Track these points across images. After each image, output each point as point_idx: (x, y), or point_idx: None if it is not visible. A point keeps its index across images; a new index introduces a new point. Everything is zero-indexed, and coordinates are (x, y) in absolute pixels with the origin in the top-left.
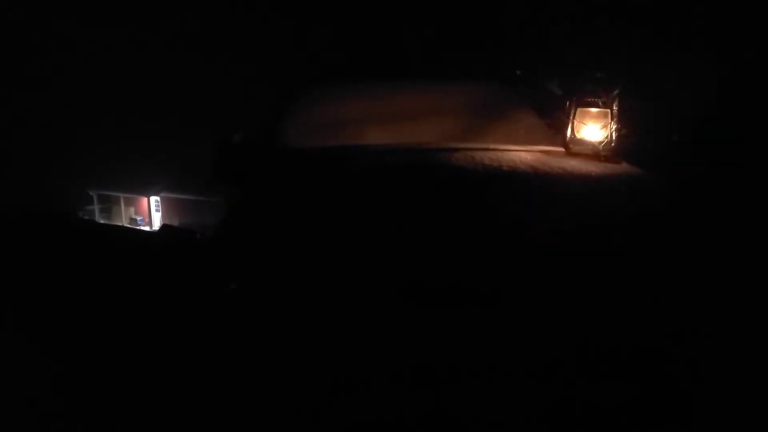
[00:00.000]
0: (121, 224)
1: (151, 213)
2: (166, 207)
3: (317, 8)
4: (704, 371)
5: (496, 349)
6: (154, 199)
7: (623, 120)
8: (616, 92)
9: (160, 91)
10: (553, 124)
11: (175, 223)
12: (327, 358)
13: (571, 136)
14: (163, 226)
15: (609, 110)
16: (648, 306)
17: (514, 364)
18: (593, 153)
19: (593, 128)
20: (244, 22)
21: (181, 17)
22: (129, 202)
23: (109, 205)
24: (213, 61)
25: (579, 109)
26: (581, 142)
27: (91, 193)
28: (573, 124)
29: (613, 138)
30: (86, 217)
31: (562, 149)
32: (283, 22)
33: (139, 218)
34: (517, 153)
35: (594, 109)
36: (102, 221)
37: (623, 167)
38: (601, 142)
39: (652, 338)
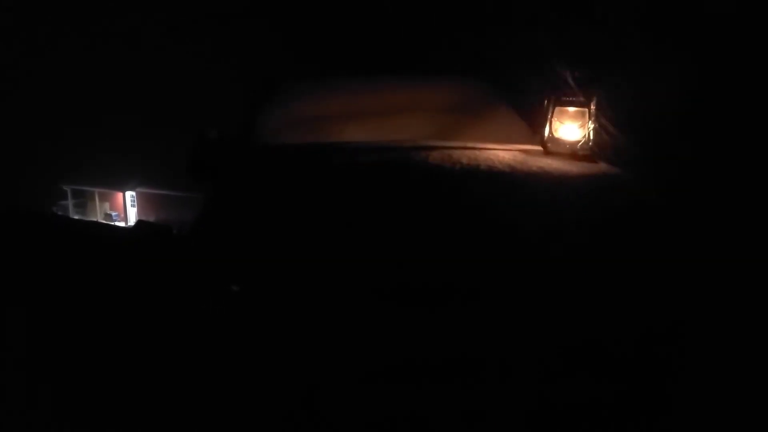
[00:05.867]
0: (95, 220)
1: (127, 208)
2: (142, 202)
3: (295, 4)
4: (687, 368)
5: (474, 346)
6: (129, 194)
7: (601, 119)
8: (594, 91)
9: (136, 86)
10: (532, 122)
11: (151, 218)
12: (304, 356)
13: (548, 135)
14: (139, 222)
15: (587, 109)
16: (625, 304)
17: (494, 361)
18: (571, 152)
19: (571, 127)
20: (221, 18)
21: (156, 13)
22: (104, 198)
23: (83, 201)
24: (190, 56)
25: (557, 108)
26: (559, 141)
27: (64, 188)
28: (551, 123)
29: (591, 137)
30: (60, 213)
31: (540, 148)
32: (261, 18)
33: (114, 214)
34: (495, 151)
35: (572, 109)
36: (76, 217)
37: (600, 167)
38: (578, 142)
39: (635, 335)
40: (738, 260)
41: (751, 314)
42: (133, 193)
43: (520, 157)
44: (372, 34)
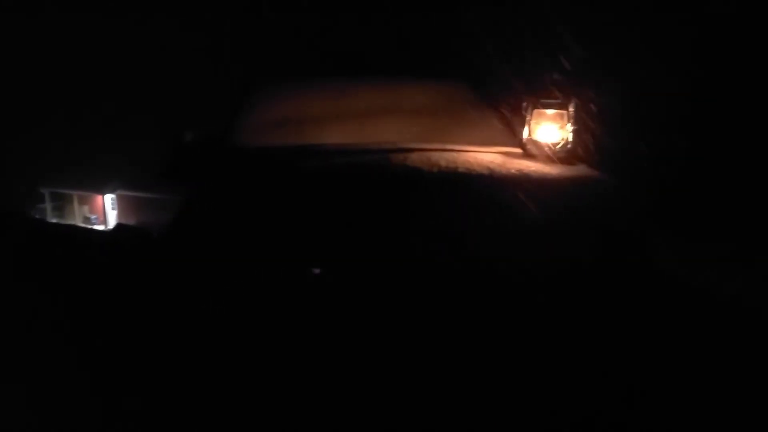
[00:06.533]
0: (74, 223)
1: (106, 212)
2: (123, 205)
3: (273, 2)
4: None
5: (437, 356)
6: (109, 197)
7: (580, 121)
8: (572, 93)
9: (115, 86)
10: (512, 124)
11: (132, 222)
12: (277, 356)
13: (528, 137)
14: (118, 226)
15: (566, 112)
16: (602, 306)
17: (456, 375)
18: (550, 154)
19: (550, 129)
20: (199, 16)
21: (132, 9)
22: (83, 201)
23: (61, 204)
24: (171, 56)
25: (536, 110)
26: (538, 143)
27: (42, 191)
28: (530, 125)
29: (570, 139)
30: (37, 217)
31: (519, 150)
32: (239, 17)
33: (93, 217)
34: (474, 154)
35: (551, 111)
36: (54, 220)
37: (579, 168)
38: (557, 144)
39: (617, 336)
40: (716, 260)
41: (735, 315)
42: (113, 196)
43: (499, 159)
44: (351, 34)
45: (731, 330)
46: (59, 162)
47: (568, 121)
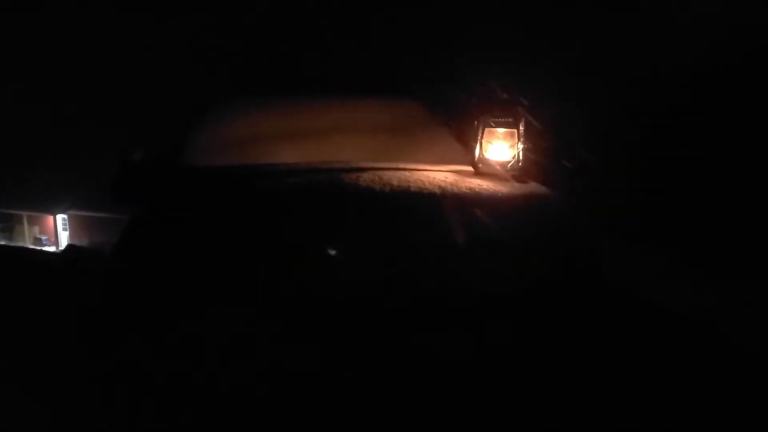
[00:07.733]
0: (23, 245)
1: (58, 232)
2: (75, 225)
3: (228, 21)
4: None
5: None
6: (61, 218)
7: (530, 140)
8: (522, 112)
9: (69, 102)
10: (465, 143)
11: (84, 242)
12: (221, 375)
13: (479, 155)
14: (69, 246)
15: (516, 130)
16: (551, 325)
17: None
18: (501, 172)
19: (501, 148)
20: (153, 34)
21: (87, 22)
22: (33, 221)
23: (10, 224)
24: (124, 73)
25: (486, 129)
26: (489, 161)
27: None
28: (481, 143)
29: (520, 158)
30: None
31: (471, 169)
32: (193, 35)
33: (44, 238)
34: (426, 173)
35: (501, 130)
36: (2, 242)
37: (530, 186)
38: (508, 162)
39: (566, 360)
40: (671, 273)
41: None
42: (65, 216)
43: (451, 178)
44: (305, 51)
45: (687, 347)
46: (7, 180)
47: (519, 140)
